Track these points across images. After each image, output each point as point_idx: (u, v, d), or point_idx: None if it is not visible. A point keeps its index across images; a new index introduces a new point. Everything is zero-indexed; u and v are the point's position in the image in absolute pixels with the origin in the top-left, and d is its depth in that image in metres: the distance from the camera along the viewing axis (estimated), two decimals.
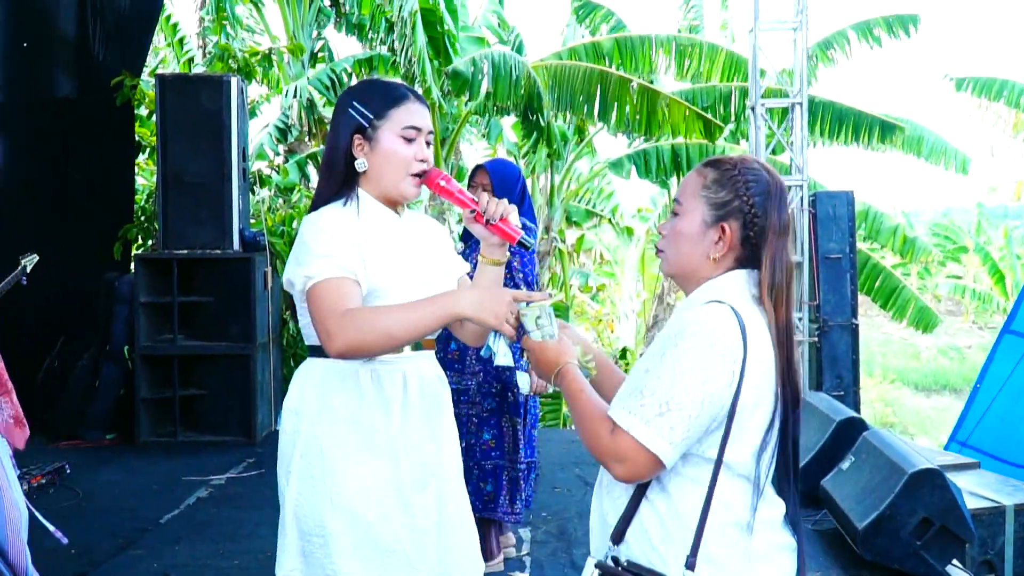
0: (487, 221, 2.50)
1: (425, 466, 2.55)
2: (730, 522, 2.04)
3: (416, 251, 2.61)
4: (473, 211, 2.51)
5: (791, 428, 2.13)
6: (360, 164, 2.54)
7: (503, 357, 2.38)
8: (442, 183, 2.55)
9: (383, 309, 2.36)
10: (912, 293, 15.03)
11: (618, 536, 2.08)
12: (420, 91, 10.81)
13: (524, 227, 4.40)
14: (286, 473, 2.55)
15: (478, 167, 4.72)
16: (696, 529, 2.01)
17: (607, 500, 2.16)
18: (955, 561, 4.92)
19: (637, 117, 11.72)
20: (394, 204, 2.61)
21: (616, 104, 11.69)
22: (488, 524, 4.68)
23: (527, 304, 2.27)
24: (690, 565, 1.99)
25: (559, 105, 11.85)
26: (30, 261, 6.49)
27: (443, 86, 11.41)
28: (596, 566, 2.10)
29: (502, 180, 4.59)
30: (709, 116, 11.85)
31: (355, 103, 2.54)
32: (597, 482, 2.24)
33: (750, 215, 2.11)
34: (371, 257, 2.47)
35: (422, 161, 2.54)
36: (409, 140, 2.53)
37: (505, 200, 2.52)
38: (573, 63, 12.07)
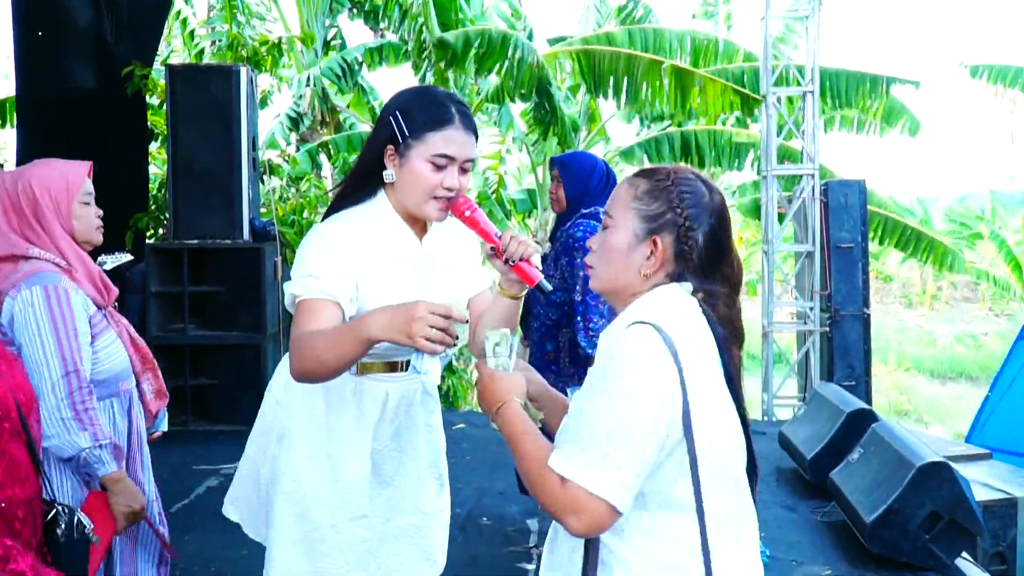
0: (507, 260, 2.41)
1: (381, 477, 2.59)
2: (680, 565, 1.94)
3: (425, 273, 2.57)
4: (494, 247, 2.43)
5: (734, 369, 2.02)
6: (388, 175, 2.49)
7: (432, 375, 2.29)
8: (467, 213, 2.48)
9: (320, 333, 2.32)
10: (930, 236, 14.75)
11: None
12: (434, 81, 10.86)
13: (581, 216, 4.44)
14: (263, 455, 2.68)
15: (550, 160, 4.75)
16: None
17: (561, 555, 2.04)
18: (965, 553, 4.91)
19: (669, 96, 11.64)
20: (417, 221, 2.57)
21: (647, 86, 11.62)
22: None
23: (492, 331, 2.15)
24: None
25: (588, 89, 11.81)
26: (113, 260, 6.45)
27: (496, 92, 11.40)
28: None
29: (572, 173, 4.59)
30: (746, 91, 11.72)
31: (398, 113, 2.47)
32: (547, 544, 2.13)
33: (684, 228, 1.99)
34: (367, 279, 2.45)
35: (449, 189, 2.46)
36: (439, 167, 2.44)
37: (529, 240, 2.44)
38: (601, 48, 12.01)
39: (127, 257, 6.48)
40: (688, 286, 2.01)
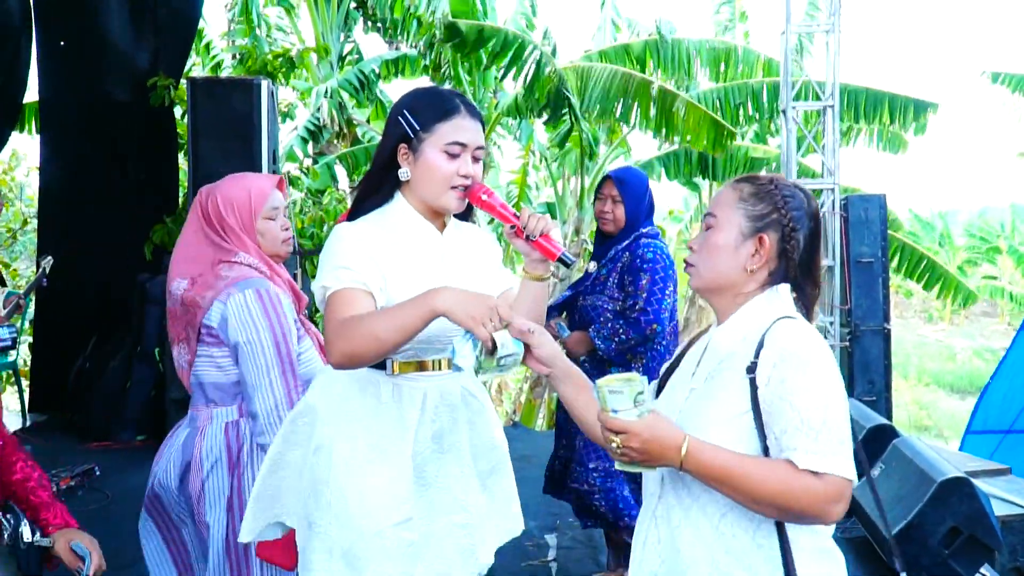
0: (527, 237, 2.46)
1: (423, 479, 2.56)
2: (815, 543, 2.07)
3: (451, 267, 2.59)
4: (514, 226, 2.48)
5: None
6: (403, 173, 2.53)
7: (463, 359, 2.31)
8: (484, 197, 2.53)
9: (370, 314, 2.35)
10: (952, 275, 14.77)
11: None
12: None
13: (642, 235, 4.36)
14: (297, 458, 2.60)
15: (605, 177, 4.59)
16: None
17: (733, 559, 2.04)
18: (984, 569, 4.88)
19: (656, 120, 11.68)
20: (437, 215, 2.60)
21: (637, 106, 11.66)
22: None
23: (622, 381, 1.98)
24: None
25: (588, 106, 11.83)
26: (47, 263, 6.59)
27: (514, 107, 11.43)
28: None
29: (631, 190, 4.47)
30: (721, 120, 11.76)
31: (405, 112, 2.53)
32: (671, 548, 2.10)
33: (788, 228, 2.11)
34: (394, 273, 2.47)
35: (465, 176, 2.51)
36: (453, 156, 2.50)
37: (547, 216, 2.49)
38: (600, 64, 12.04)
39: (50, 259, 6.59)
40: (788, 287, 2.14)
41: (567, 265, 2.47)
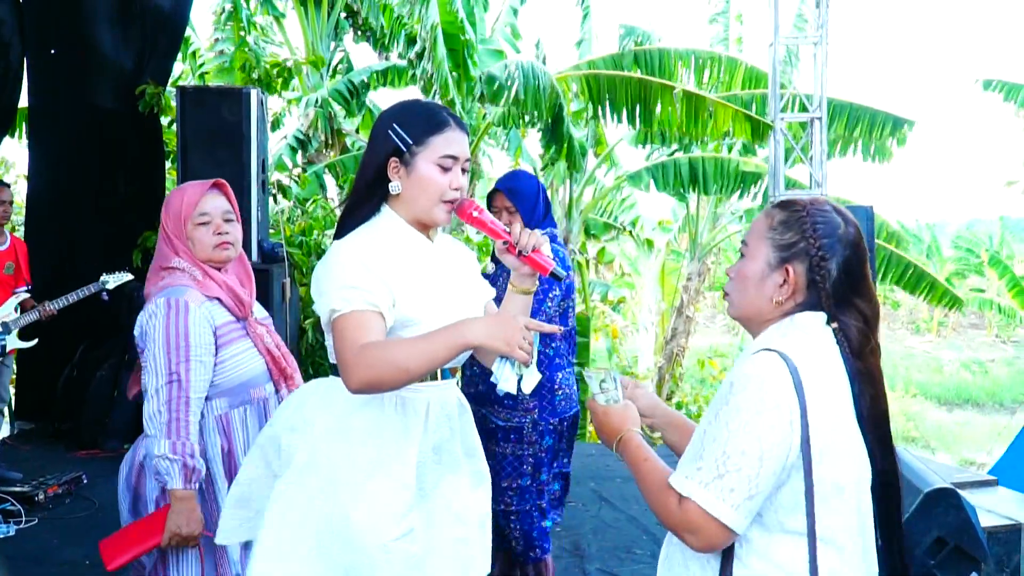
0: (519, 252, 2.47)
1: (423, 489, 2.54)
2: None
3: (447, 277, 2.61)
4: (506, 243, 2.49)
5: (885, 492, 2.11)
6: (394, 187, 2.53)
7: (506, 383, 2.35)
8: (475, 213, 2.54)
9: (395, 342, 2.36)
10: (940, 282, 14.85)
11: None
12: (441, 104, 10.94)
13: (554, 251, 4.24)
14: (291, 478, 2.55)
15: (494, 189, 4.40)
16: None
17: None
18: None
19: (680, 121, 11.69)
20: (425, 228, 2.61)
21: (659, 110, 11.67)
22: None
23: (594, 370, 2.27)
24: None
25: (599, 112, 11.85)
26: (115, 279, 6.50)
27: (475, 91, 11.41)
28: None
29: (522, 197, 4.30)
30: (756, 116, 11.78)
31: (395, 125, 2.53)
32: (663, 558, 2.20)
33: (816, 257, 2.04)
34: (401, 287, 2.47)
35: (456, 190, 2.53)
36: (446, 169, 2.52)
37: (538, 231, 2.51)
38: (610, 72, 12.07)
39: (128, 277, 6.52)
40: (823, 316, 2.07)
41: (559, 279, 2.51)
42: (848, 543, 2.02)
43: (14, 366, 8.07)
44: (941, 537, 4.71)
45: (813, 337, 2.04)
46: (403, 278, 2.48)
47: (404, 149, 2.51)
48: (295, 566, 2.52)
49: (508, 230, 2.50)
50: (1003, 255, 30.78)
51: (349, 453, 2.50)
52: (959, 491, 4.85)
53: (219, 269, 3.23)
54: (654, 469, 2.06)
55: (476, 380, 4.29)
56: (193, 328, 3.01)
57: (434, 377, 2.56)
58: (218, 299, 3.16)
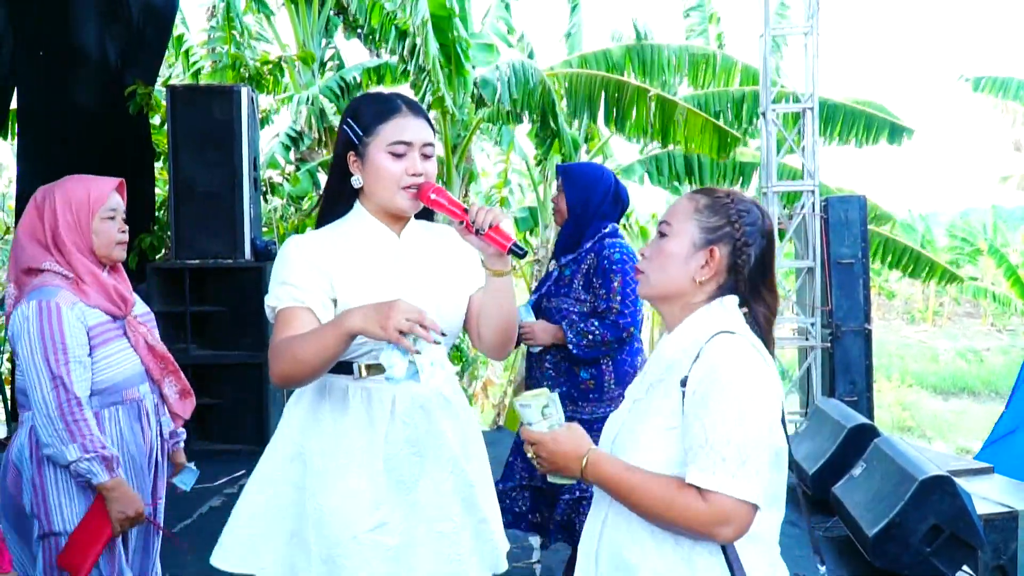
0: (477, 231, 2.42)
1: (401, 482, 2.54)
2: (772, 560, 2.11)
3: (407, 269, 2.58)
4: (463, 222, 2.45)
5: None
6: (356, 181, 2.55)
7: (391, 369, 2.26)
8: (433, 196, 2.52)
9: (295, 337, 2.38)
10: (936, 261, 14.86)
11: None
12: (432, 99, 10.91)
13: (605, 236, 4.24)
14: (276, 472, 2.61)
15: (556, 167, 4.52)
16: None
17: None
18: (966, 567, 4.91)
19: (653, 126, 11.71)
20: (397, 219, 2.60)
21: (634, 112, 11.69)
22: None
23: (531, 396, 2.16)
24: None
25: (575, 112, 11.86)
26: None
27: (473, 96, 11.44)
28: None
29: (572, 180, 4.33)
30: (724, 127, 11.81)
31: (349, 119, 2.56)
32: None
33: (740, 242, 2.13)
34: (344, 281, 2.48)
35: (415, 175, 2.51)
36: (398, 155, 2.50)
37: (497, 208, 2.53)
38: (589, 72, 12.07)
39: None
40: (735, 299, 2.15)
41: (519, 255, 2.45)
42: (781, 504, 2.13)
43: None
44: (937, 524, 4.72)
45: (739, 320, 2.12)
46: (350, 272, 2.49)
47: (357, 142, 2.53)
48: (269, 558, 2.57)
49: (466, 209, 2.46)
50: (997, 243, 30.82)
51: (320, 446, 2.53)
52: (955, 479, 4.87)
53: (103, 268, 3.21)
54: (648, 476, 2.03)
55: (556, 383, 4.28)
56: (68, 329, 2.99)
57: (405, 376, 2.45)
58: (97, 298, 3.13)
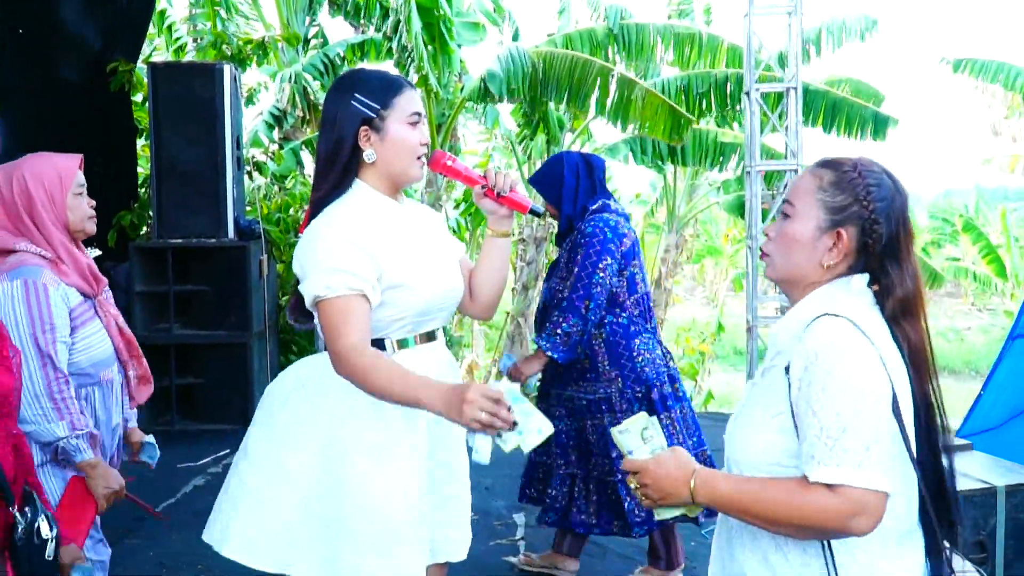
0: (498, 194, 2.60)
1: (432, 449, 2.63)
2: (887, 545, 1.97)
3: (424, 238, 2.67)
4: (484, 187, 2.61)
5: (938, 469, 2.02)
6: (369, 155, 2.57)
7: (477, 454, 2.26)
8: (448, 163, 2.65)
9: (382, 369, 2.37)
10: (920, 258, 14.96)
11: None
12: (417, 78, 10.88)
13: (590, 211, 4.29)
14: (301, 465, 2.57)
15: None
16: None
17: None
18: (945, 543, 4.94)
19: (613, 108, 11.69)
20: (395, 192, 2.65)
21: (597, 93, 11.67)
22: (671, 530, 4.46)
23: (628, 421, 2.07)
24: None
25: (547, 92, 11.83)
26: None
27: (478, 91, 11.42)
28: None
29: (540, 183, 4.44)
30: (679, 109, 11.79)
31: (358, 95, 2.56)
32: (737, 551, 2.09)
33: (870, 221, 1.99)
34: (386, 255, 2.50)
35: (424, 144, 2.60)
36: (414, 125, 2.58)
37: (513, 172, 2.60)
38: (561, 51, 12.03)
39: (96, 252, 6.48)
40: (865, 277, 2.03)
41: (539, 215, 2.64)
42: (910, 490, 1.98)
43: None
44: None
45: (859, 299, 2.00)
46: (387, 246, 2.52)
47: (373, 115, 2.54)
48: (303, 555, 2.56)
49: (484, 175, 2.61)
50: (978, 223, 30.93)
51: (360, 432, 2.54)
52: None
53: (76, 245, 3.21)
54: (765, 484, 1.93)
55: (554, 365, 4.32)
56: (55, 309, 2.99)
57: (433, 338, 2.69)
58: (74, 277, 3.13)
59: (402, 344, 2.60)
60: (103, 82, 8.29)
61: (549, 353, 4.15)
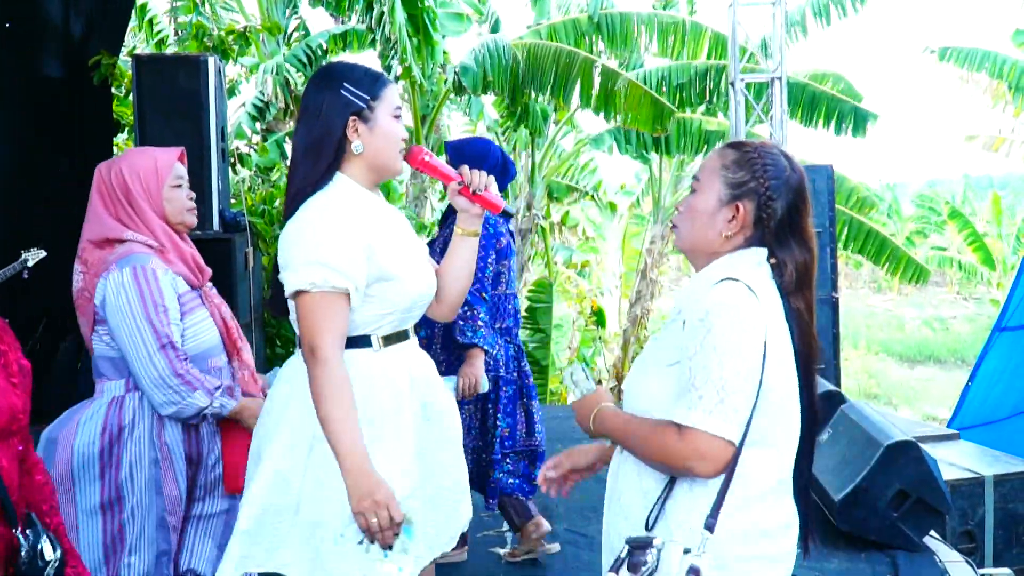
0: (473, 192, 2.59)
1: (420, 452, 2.59)
2: (749, 496, 2.11)
3: (404, 230, 2.67)
4: (460, 183, 2.61)
5: (809, 425, 2.23)
6: (357, 147, 2.54)
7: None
8: (426, 158, 2.63)
9: (342, 403, 2.39)
10: (902, 250, 14.97)
11: (651, 524, 2.12)
12: (401, 69, 10.86)
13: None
14: (295, 468, 2.53)
15: (444, 145, 4.59)
16: (716, 500, 2.06)
17: (629, 505, 2.22)
18: (933, 532, 4.97)
19: (597, 99, 11.70)
20: (374, 186, 2.64)
21: (580, 84, 11.67)
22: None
23: (564, 370, 2.34)
24: (709, 526, 2.05)
25: (530, 84, 11.82)
26: (33, 256, 6.49)
27: (454, 83, 11.40)
28: (627, 542, 2.06)
29: (465, 160, 4.18)
30: (662, 100, 11.79)
31: (347, 85, 2.54)
32: (608, 503, 2.31)
33: (764, 197, 2.18)
34: (376, 245, 2.49)
35: (404, 139, 2.61)
36: (397, 118, 2.59)
37: (484, 171, 2.60)
38: (544, 42, 12.02)
39: (43, 253, 6.47)
40: (764, 251, 2.20)
41: (510, 216, 2.66)
42: (785, 446, 2.16)
43: None
44: (903, 490, 4.77)
45: (758, 270, 2.17)
46: (381, 239, 2.51)
47: (364, 106, 2.53)
48: (290, 553, 2.52)
49: (459, 172, 2.62)
50: (965, 212, 31.04)
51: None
52: (921, 445, 4.92)
53: (180, 236, 3.26)
54: (643, 421, 2.14)
55: (446, 359, 4.37)
56: (167, 292, 3.05)
57: (408, 336, 2.66)
58: (180, 267, 3.18)
59: (390, 339, 2.57)
60: (85, 76, 8.24)
61: (481, 344, 4.25)
